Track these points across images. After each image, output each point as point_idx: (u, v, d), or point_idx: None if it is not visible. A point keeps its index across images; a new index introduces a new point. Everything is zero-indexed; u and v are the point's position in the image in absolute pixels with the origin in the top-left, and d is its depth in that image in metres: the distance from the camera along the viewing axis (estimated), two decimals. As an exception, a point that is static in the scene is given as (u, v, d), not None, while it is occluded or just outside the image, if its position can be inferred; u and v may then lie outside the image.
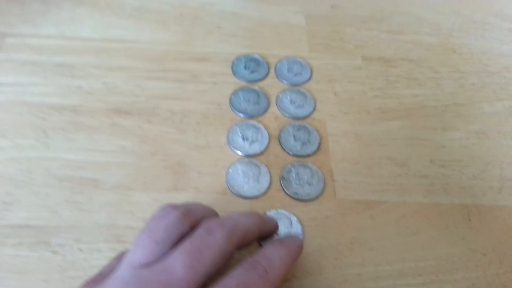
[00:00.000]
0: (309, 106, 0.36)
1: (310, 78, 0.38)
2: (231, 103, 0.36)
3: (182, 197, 0.30)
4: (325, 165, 0.33)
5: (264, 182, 0.31)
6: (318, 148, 0.34)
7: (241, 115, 0.35)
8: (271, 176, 0.32)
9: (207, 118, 0.35)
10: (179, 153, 0.32)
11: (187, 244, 0.21)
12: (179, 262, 0.20)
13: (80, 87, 0.35)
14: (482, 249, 0.30)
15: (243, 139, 0.33)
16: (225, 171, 0.32)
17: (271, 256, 0.23)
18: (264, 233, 0.25)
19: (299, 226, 0.30)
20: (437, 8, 0.45)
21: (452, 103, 0.37)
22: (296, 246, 0.25)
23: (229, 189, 0.31)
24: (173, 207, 0.23)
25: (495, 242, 0.30)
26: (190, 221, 0.22)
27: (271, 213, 0.30)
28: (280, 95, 0.36)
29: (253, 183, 0.31)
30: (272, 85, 0.37)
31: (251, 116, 0.35)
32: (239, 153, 0.33)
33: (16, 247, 0.28)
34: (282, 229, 0.29)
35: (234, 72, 0.38)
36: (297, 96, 0.36)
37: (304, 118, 0.35)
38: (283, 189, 0.31)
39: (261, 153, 0.33)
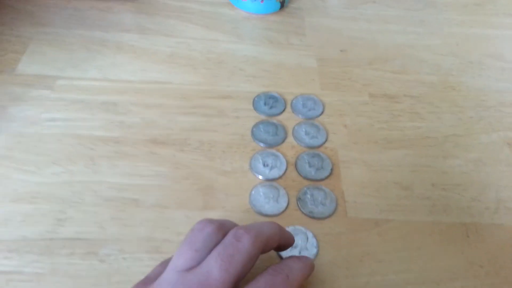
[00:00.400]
0: (322, 137, 0.40)
1: (322, 113, 0.43)
2: (252, 134, 0.40)
3: (211, 215, 0.34)
4: (337, 188, 0.37)
5: (283, 202, 0.36)
6: (331, 173, 0.38)
7: (261, 144, 0.40)
8: (289, 197, 0.36)
9: (232, 147, 0.39)
10: (208, 177, 0.37)
11: (221, 250, 0.24)
12: (215, 266, 0.24)
13: (122, 121, 0.40)
14: (480, 262, 0.33)
15: (264, 165, 0.38)
16: (248, 193, 0.36)
17: (291, 265, 0.27)
18: (283, 242, 0.29)
19: (314, 240, 0.33)
20: (436, 50, 0.50)
21: (451, 134, 0.42)
22: (310, 263, 0.29)
23: (252, 208, 0.35)
24: (210, 221, 0.27)
25: (491, 256, 0.33)
26: (223, 233, 0.26)
27: (289, 228, 0.34)
28: (296, 127, 0.41)
29: (273, 203, 0.35)
30: (288, 119, 0.42)
31: (270, 146, 0.40)
32: (261, 177, 0.37)
33: (69, 257, 0.32)
34: (299, 243, 0.33)
35: (255, 108, 0.43)
36: (311, 128, 0.41)
37: (317, 147, 0.40)
38: (299, 208, 0.35)
39: (280, 177, 0.37)
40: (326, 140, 0.40)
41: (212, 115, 0.42)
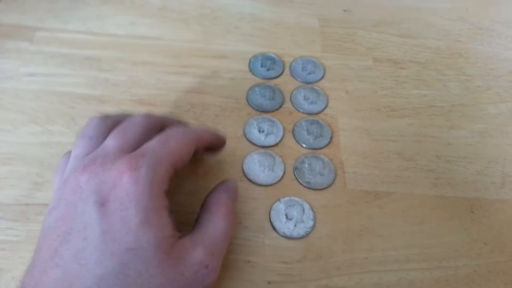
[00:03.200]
0: (322, 103, 0.38)
1: (323, 77, 0.40)
2: (248, 98, 0.38)
3: (200, 183, 0.32)
4: (336, 157, 0.35)
5: (279, 171, 0.33)
6: (330, 142, 0.35)
7: (257, 109, 0.37)
8: (285, 166, 0.34)
9: (225, 111, 0.37)
10: (199, 142, 0.34)
11: (115, 130, 0.26)
12: (110, 140, 0.25)
13: (106, 79, 0.37)
14: (484, 239, 0.31)
15: (259, 131, 0.35)
16: (241, 160, 0.34)
17: (193, 127, 0.29)
18: (208, 144, 0.29)
19: (311, 212, 0.31)
20: (444, 15, 0.47)
21: (458, 103, 0.39)
22: (220, 136, 0.30)
23: (246, 177, 0.33)
24: (97, 115, 0.27)
25: (496, 233, 0.32)
26: (112, 120, 0.27)
27: (285, 199, 0.32)
28: (294, 92, 0.38)
29: (268, 172, 0.33)
30: (286, 83, 0.39)
31: (266, 111, 0.37)
32: (255, 144, 0.35)
33: (47, 223, 0.30)
34: (295, 215, 0.31)
35: (251, 70, 0.40)
36: (310, 93, 0.38)
37: (317, 113, 0.37)
38: (296, 178, 0.33)
39: (276, 144, 0.35)
40: (326, 106, 0.38)
41: (205, 76, 0.39)
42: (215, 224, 0.25)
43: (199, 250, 0.23)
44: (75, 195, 0.22)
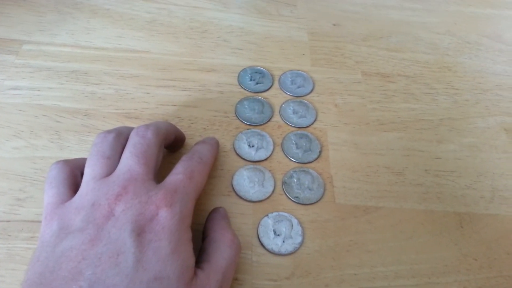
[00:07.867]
0: (311, 117, 0.38)
1: (312, 90, 0.40)
2: (236, 111, 0.37)
3: (188, 198, 0.32)
4: (325, 171, 0.34)
5: (269, 187, 0.33)
6: (319, 156, 0.35)
7: (246, 123, 0.37)
8: (275, 181, 0.33)
9: (214, 125, 0.36)
10: (187, 156, 0.34)
11: (132, 149, 0.26)
12: (133, 163, 0.25)
13: (93, 92, 0.37)
14: (474, 254, 0.31)
15: (249, 146, 0.35)
16: (230, 175, 0.33)
17: (200, 150, 0.30)
18: (178, 135, 0.32)
19: (299, 228, 0.31)
20: (433, 29, 0.47)
21: (447, 117, 0.39)
22: (215, 143, 0.33)
23: (237, 193, 0.32)
24: (107, 131, 0.28)
25: (486, 248, 0.32)
26: (124, 137, 0.28)
27: (273, 214, 0.31)
28: (283, 105, 0.38)
29: (259, 188, 0.33)
30: (276, 96, 0.39)
31: (255, 124, 0.37)
32: (246, 159, 0.34)
33: (28, 241, 0.29)
34: (284, 231, 0.31)
35: (240, 83, 0.39)
36: (299, 107, 0.38)
37: (306, 127, 0.37)
38: (285, 193, 0.33)
39: (266, 159, 0.35)
40: (315, 120, 0.38)
41: (193, 89, 0.38)
42: (222, 253, 0.26)
43: (212, 284, 0.24)
44: (108, 222, 0.23)
